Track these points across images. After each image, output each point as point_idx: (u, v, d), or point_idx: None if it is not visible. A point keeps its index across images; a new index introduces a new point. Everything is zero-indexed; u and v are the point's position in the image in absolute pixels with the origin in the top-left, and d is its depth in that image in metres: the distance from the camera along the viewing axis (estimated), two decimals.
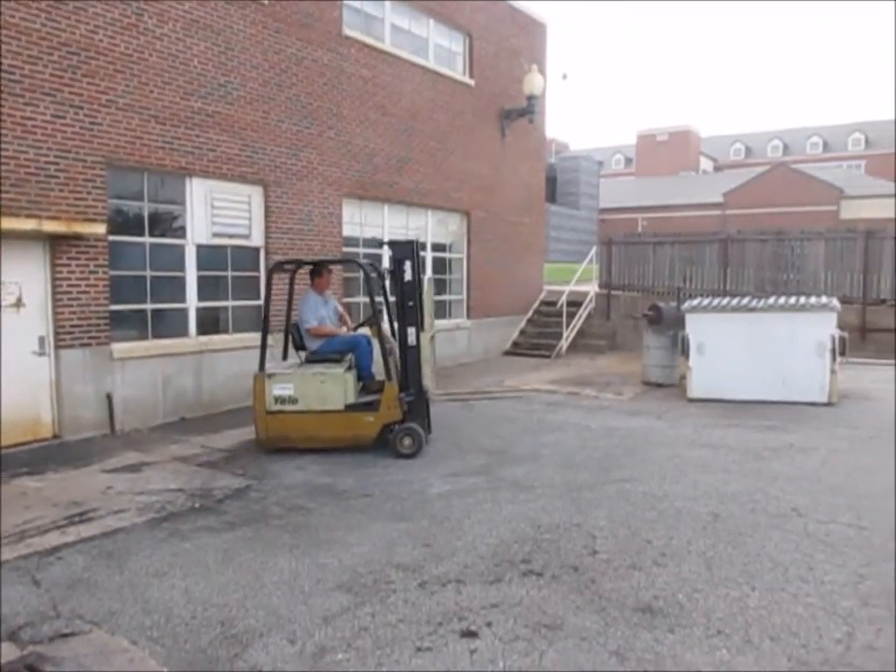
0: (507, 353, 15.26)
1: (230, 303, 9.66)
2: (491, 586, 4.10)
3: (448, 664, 3.31)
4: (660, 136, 62.33)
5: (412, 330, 7.07)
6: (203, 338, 9.27)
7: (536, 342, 15.35)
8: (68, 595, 4.10)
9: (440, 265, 13.53)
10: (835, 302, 9.58)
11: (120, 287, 8.33)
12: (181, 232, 9.02)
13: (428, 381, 7.26)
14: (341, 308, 8.42)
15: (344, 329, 8.12)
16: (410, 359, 7.14)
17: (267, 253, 9.94)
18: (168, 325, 8.94)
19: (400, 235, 12.53)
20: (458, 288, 14.00)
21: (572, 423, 8.51)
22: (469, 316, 14.07)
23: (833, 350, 9.24)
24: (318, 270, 7.97)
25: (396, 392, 7.06)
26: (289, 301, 8.17)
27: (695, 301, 10.38)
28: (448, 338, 13.46)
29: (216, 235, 9.37)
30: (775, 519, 5.13)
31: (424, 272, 7.45)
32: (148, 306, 8.70)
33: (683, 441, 7.52)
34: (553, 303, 15.78)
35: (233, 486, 6.15)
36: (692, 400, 9.66)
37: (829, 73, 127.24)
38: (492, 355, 14.75)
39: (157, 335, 8.77)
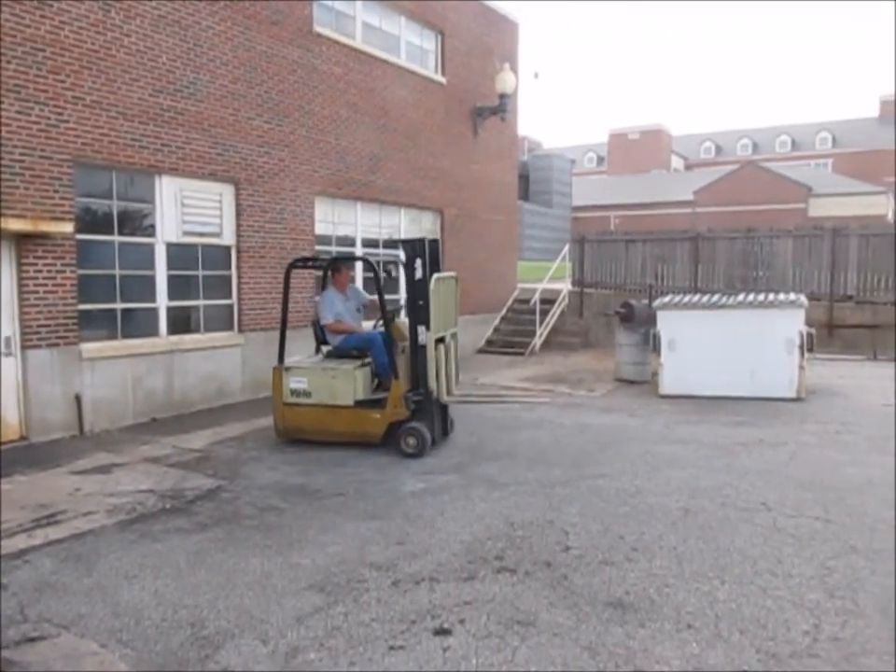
0: (481, 351, 15.29)
1: (201, 303, 9.56)
2: (464, 583, 4.11)
3: (421, 662, 3.31)
4: (632, 135, 62.86)
5: (421, 329, 6.95)
6: (174, 337, 9.17)
7: (510, 339, 15.40)
8: (36, 598, 4.04)
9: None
10: (803, 299, 9.73)
11: (89, 287, 8.21)
12: (151, 231, 8.91)
13: (433, 381, 6.99)
14: (367, 299, 8.30)
15: (366, 324, 8.16)
16: (420, 359, 7.04)
17: (238, 252, 9.86)
18: (138, 324, 8.83)
19: (373, 234, 12.52)
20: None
21: (546, 420, 8.55)
22: None
23: (802, 346, 9.39)
24: (337, 267, 8.05)
25: (402, 391, 7.01)
26: (285, 299, 7.92)
27: (666, 299, 10.49)
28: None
29: (186, 234, 9.27)
30: (744, 513, 5.20)
31: (437, 269, 7.24)
32: (118, 306, 8.58)
33: (655, 437, 7.60)
34: (527, 301, 15.84)
35: (205, 487, 6.09)
36: (663, 397, 9.76)
37: (797, 72, 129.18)
38: (466, 353, 14.74)
39: (127, 335, 8.66)
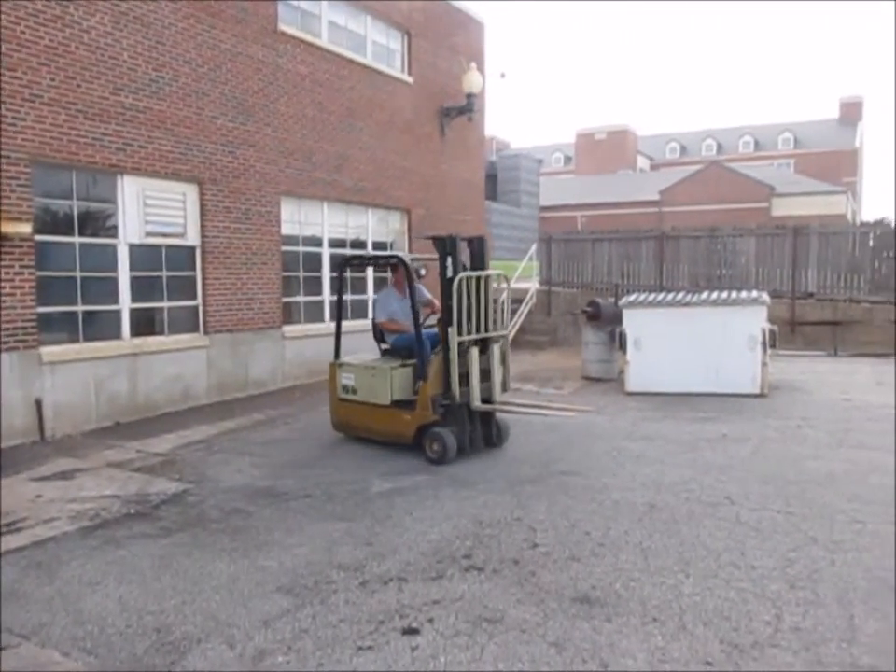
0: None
1: (165, 304, 9.44)
2: (433, 583, 4.11)
3: (389, 661, 3.31)
4: (598, 135, 63.41)
5: (451, 331, 6.63)
6: (138, 340, 9.04)
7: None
8: None
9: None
10: (765, 297, 9.90)
11: (49, 289, 8.06)
12: (113, 232, 8.77)
13: (455, 385, 6.61)
14: (426, 298, 7.81)
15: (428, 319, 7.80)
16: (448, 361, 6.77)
17: (203, 252, 9.75)
18: (100, 327, 8.68)
19: (341, 234, 12.47)
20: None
21: (513, 418, 8.57)
22: None
23: (764, 343, 9.54)
24: (395, 267, 7.93)
25: (429, 393, 6.74)
26: (339, 296, 7.99)
27: (632, 297, 10.60)
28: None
29: (149, 234, 9.14)
30: (708, 508, 5.27)
31: (462, 268, 6.86)
32: (79, 308, 8.43)
33: (621, 434, 7.67)
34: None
35: (170, 491, 6.01)
36: (629, 394, 9.86)
37: (760, 74, 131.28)
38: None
39: (89, 338, 8.51)
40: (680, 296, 10.44)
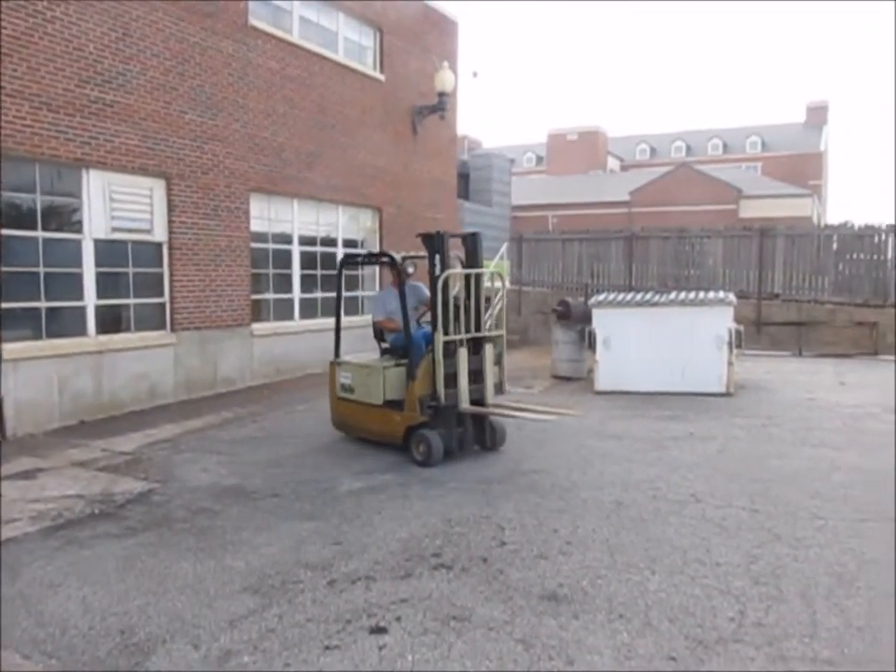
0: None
1: (131, 301, 9.30)
2: (401, 581, 4.11)
3: (356, 661, 3.29)
4: (570, 136, 63.73)
5: (437, 331, 6.54)
6: (103, 337, 8.90)
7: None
8: None
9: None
10: (732, 297, 10.04)
11: (11, 285, 7.88)
12: (78, 227, 8.61)
13: (440, 386, 6.44)
14: (426, 297, 7.59)
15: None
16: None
17: (171, 248, 9.63)
18: (64, 324, 8.52)
19: (311, 231, 12.40)
20: (371, 285, 13.92)
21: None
22: None
23: (731, 343, 9.68)
24: (392, 266, 7.56)
25: (416, 394, 6.60)
26: (338, 295, 8.00)
27: (601, 297, 10.68)
28: (361, 335, 13.34)
29: (115, 230, 9.00)
30: (675, 505, 5.33)
31: (475, 265, 6.82)
32: (42, 304, 8.27)
33: (590, 433, 7.72)
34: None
35: (135, 490, 5.93)
36: (598, 393, 9.93)
37: (728, 77, 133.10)
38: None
39: (52, 335, 8.35)
40: (649, 296, 10.54)
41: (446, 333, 6.52)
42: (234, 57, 10.43)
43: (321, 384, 11.07)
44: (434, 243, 6.62)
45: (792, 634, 3.43)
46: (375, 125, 13.57)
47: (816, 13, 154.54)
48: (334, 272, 12.76)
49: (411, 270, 7.28)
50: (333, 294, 12.75)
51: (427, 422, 6.60)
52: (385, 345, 7.66)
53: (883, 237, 14.82)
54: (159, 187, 9.52)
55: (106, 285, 8.94)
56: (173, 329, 9.73)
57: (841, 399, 9.41)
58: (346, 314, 13.06)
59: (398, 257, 7.17)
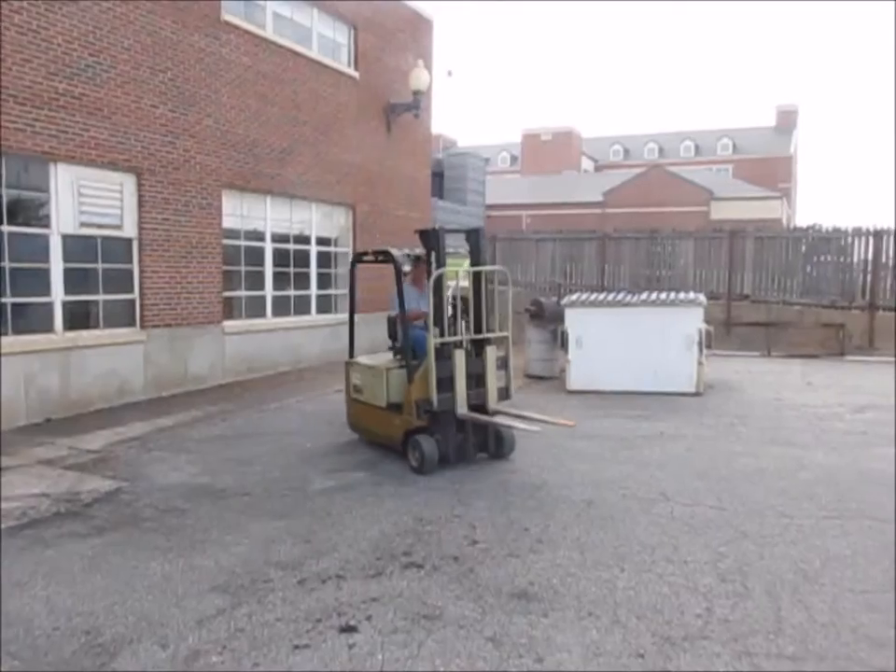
0: (392, 348, 15.24)
1: (100, 297, 9.16)
2: (372, 580, 4.10)
3: (326, 660, 3.28)
4: (544, 136, 64.02)
5: (436, 331, 6.22)
6: (71, 334, 8.76)
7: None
8: None
9: (325, 259, 13.37)
10: (702, 298, 10.16)
11: None
12: (45, 221, 8.47)
13: (433, 389, 6.15)
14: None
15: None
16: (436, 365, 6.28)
17: (141, 244, 9.50)
18: (30, 320, 8.38)
19: (284, 229, 12.32)
20: (344, 283, 13.84)
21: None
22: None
23: (701, 343, 9.79)
24: (416, 263, 7.42)
25: (413, 397, 6.28)
26: (351, 293, 7.80)
27: (574, 297, 10.74)
28: (334, 333, 13.31)
29: (84, 225, 8.86)
30: (644, 504, 5.38)
31: (479, 262, 6.60)
32: (7, 300, 8.11)
33: (561, 432, 7.68)
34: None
35: (103, 489, 5.85)
36: (571, 392, 9.99)
37: (700, 80, 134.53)
38: (379, 349, 14.70)
39: (18, 331, 8.20)
40: (621, 296, 10.62)
41: (442, 334, 6.26)
42: (207, 52, 10.33)
43: (293, 382, 11.05)
44: (430, 239, 6.36)
45: (758, 630, 3.48)
46: (349, 123, 13.52)
47: (787, 18, 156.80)
48: (306, 269, 12.81)
49: (407, 268, 7.01)
50: (306, 292, 12.81)
51: (424, 427, 6.29)
52: (397, 345, 7.25)
53: (850, 240, 15.10)
54: (129, 182, 9.39)
55: (75, 280, 8.81)
56: (143, 326, 9.61)
57: (807, 399, 9.56)
58: (319, 311, 13.11)
59: (397, 254, 6.80)
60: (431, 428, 6.29)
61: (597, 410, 8.90)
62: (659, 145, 66.00)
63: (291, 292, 12.47)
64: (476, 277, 6.55)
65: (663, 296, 10.38)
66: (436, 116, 30.10)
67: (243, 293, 11.47)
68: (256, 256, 11.69)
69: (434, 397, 6.15)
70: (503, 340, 6.71)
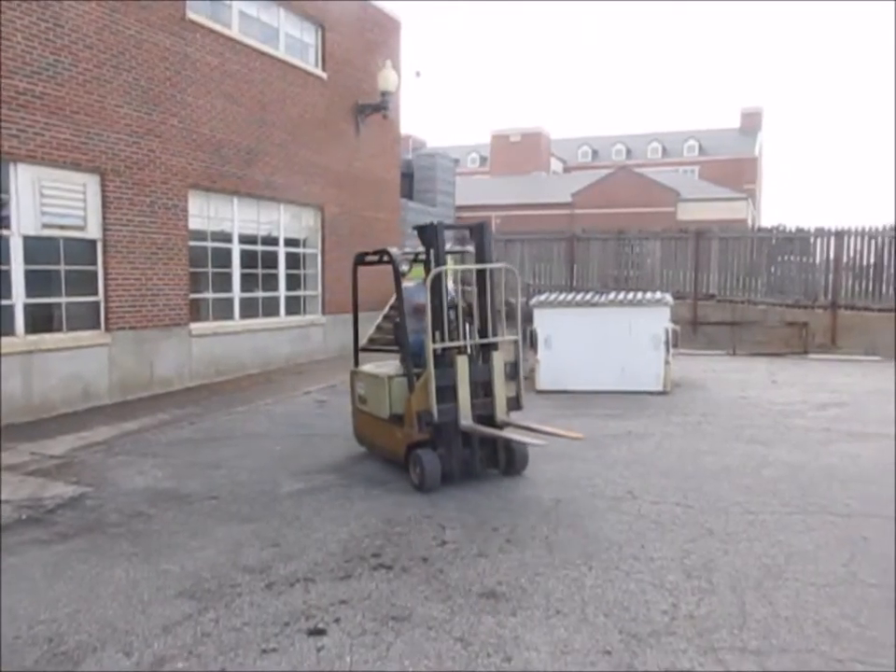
0: (363, 349, 15.17)
1: (63, 300, 9.01)
2: (340, 582, 4.08)
3: (294, 663, 3.26)
4: (513, 137, 64.21)
5: (437, 335, 5.76)
6: (34, 337, 8.60)
7: (392, 337, 15.37)
8: None
9: (294, 260, 13.29)
10: (669, 298, 10.27)
11: None
12: (5, 222, 8.30)
13: (433, 399, 5.68)
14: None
15: None
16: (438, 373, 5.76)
17: (105, 246, 9.36)
18: None
19: (252, 230, 12.23)
20: (313, 284, 13.81)
21: None
22: (324, 312, 13.91)
23: (668, 342, 9.90)
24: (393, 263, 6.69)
25: (414, 409, 5.79)
26: (354, 296, 7.19)
27: (543, 297, 10.80)
28: (303, 334, 13.26)
29: (46, 226, 8.71)
30: (612, 502, 5.43)
31: (484, 259, 6.12)
32: None
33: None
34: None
35: (66, 495, 5.75)
36: (540, 392, 10.03)
37: (667, 82, 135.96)
38: (348, 351, 14.52)
39: None
40: (589, 296, 10.71)
41: (443, 339, 5.80)
42: (171, 51, 10.21)
43: (262, 384, 10.96)
44: (429, 235, 5.89)
45: (722, 625, 3.54)
46: (318, 123, 13.46)
47: (752, 21, 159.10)
48: (275, 271, 12.71)
49: (405, 268, 6.48)
50: (274, 293, 12.72)
51: (426, 440, 5.80)
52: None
53: (812, 240, 15.37)
54: (92, 182, 9.25)
55: (37, 283, 8.65)
56: (107, 329, 9.47)
57: (772, 396, 9.72)
58: (288, 313, 13.03)
59: (395, 253, 6.35)
60: (434, 442, 5.80)
61: (566, 410, 8.96)
62: (626, 146, 66.60)
63: (259, 294, 12.38)
64: (481, 276, 6.07)
65: (630, 296, 10.48)
66: (405, 117, 30.10)
67: (210, 295, 11.35)
68: (223, 257, 11.58)
69: (434, 407, 5.66)
70: (512, 344, 6.28)
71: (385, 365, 6.81)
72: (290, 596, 3.92)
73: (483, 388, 5.96)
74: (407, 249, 6.92)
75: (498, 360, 6.04)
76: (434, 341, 5.74)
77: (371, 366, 6.87)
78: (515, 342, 6.25)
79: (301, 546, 4.63)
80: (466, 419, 5.77)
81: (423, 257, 6.23)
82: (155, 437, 7.73)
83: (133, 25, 9.58)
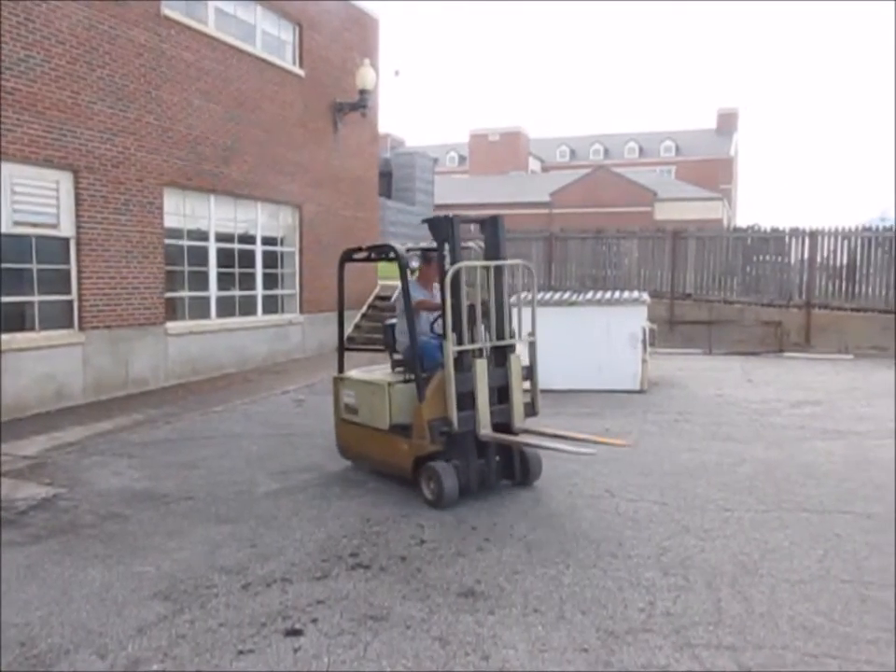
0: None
1: (35, 298, 8.87)
2: (318, 582, 4.06)
3: (271, 664, 3.24)
4: (491, 136, 64.38)
5: (453, 337, 5.29)
6: (5, 336, 8.45)
7: (371, 336, 15.33)
8: None
9: (271, 259, 13.21)
10: (646, 297, 10.34)
11: None
12: None
13: (452, 407, 5.26)
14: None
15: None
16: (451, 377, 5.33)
17: (79, 244, 9.23)
18: None
19: (229, 228, 12.13)
20: (291, 283, 13.73)
21: None
22: (302, 311, 13.84)
23: (645, 341, 9.96)
24: (425, 258, 6.27)
25: (425, 418, 5.37)
26: (340, 296, 7.01)
27: (521, 295, 10.80)
28: (281, 333, 13.19)
29: (17, 224, 8.56)
30: (590, 500, 5.46)
31: (497, 256, 5.68)
32: None
33: None
34: (387, 298, 15.88)
35: (39, 496, 5.67)
36: None
37: (644, 82, 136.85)
38: (327, 350, 14.59)
39: None
40: (567, 295, 10.75)
41: (460, 341, 5.36)
42: (146, 47, 10.09)
43: (239, 383, 10.88)
44: (443, 228, 5.44)
45: (698, 622, 3.56)
46: (295, 121, 13.38)
47: (728, 22, 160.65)
48: (252, 269, 12.63)
49: (415, 263, 6.09)
50: (252, 292, 12.63)
51: (439, 452, 5.39)
52: (397, 356, 6.41)
53: (787, 240, 15.55)
54: (66, 179, 9.11)
55: (8, 281, 8.51)
56: (81, 328, 9.35)
57: (748, 394, 9.82)
58: (266, 312, 12.96)
59: (400, 249, 5.90)
60: (448, 453, 5.39)
61: (544, 408, 8.78)
62: (604, 146, 66.99)
63: (236, 292, 12.28)
64: (497, 274, 5.63)
65: (608, 295, 10.53)
66: (383, 115, 30.01)
67: (186, 294, 11.24)
68: (199, 256, 11.48)
69: (454, 415, 5.26)
70: (529, 346, 5.90)
71: (374, 371, 6.47)
72: (267, 597, 3.89)
73: (498, 394, 5.59)
74: (410, 245, 6.51)
75: (516, 363, 5.69)
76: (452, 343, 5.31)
77: (357, 372, 6.49)
78: (532, 343, 5.88)
79: (278, 546, 4.60)
80: (485, 427, 5.39)
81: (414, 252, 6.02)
82: (130, 437, 7.64)
83: (108, 21, 9.46)
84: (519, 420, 5.65)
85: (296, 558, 4.41)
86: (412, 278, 6.26)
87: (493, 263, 5.64)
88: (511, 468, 5.72)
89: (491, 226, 5.79)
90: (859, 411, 8.68)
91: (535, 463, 5.83)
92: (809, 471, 6.16)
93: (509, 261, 5.83)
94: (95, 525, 5.05)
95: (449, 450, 5.39)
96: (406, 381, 5.84)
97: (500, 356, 5.64)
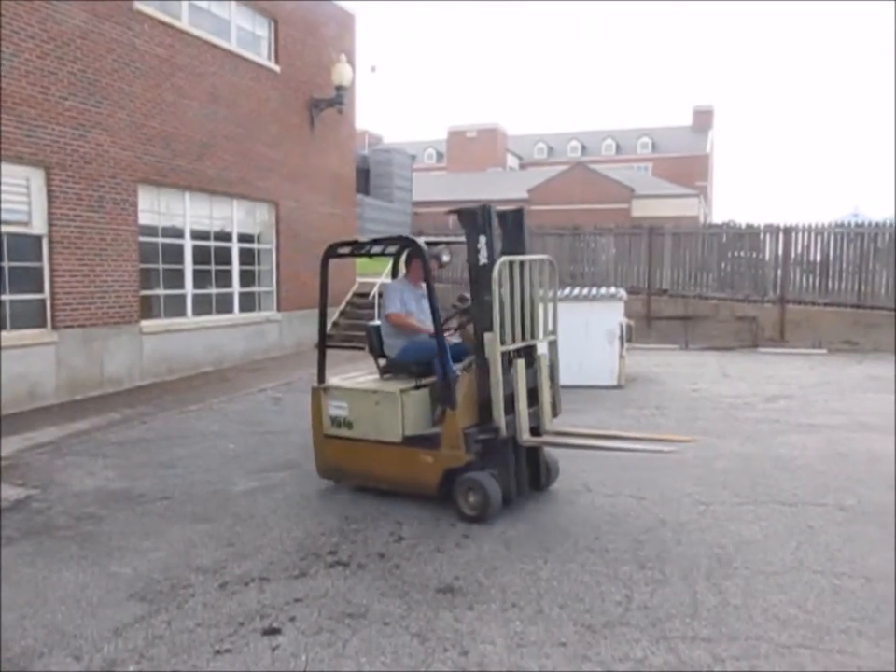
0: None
1: (6, 297, 8.73)
2: (296, 581, 4.05)
3: (248, 663, 3.22)
4: (469, 133, 64.32)
5: (488, 338, 4.96)
6: None
7: (349, 334, 15.28)
8: None
9: (248, 256, 13.12)
10: (623, 293, 10.40)
11: None
12: None
13: (499, 412, 4.93)
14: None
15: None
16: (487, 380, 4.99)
17: (51, 242, 9.11)
18: None
19: (204, 225, 12.03)
20: (268, 280, 13.64)
21: None
22: (279, 309, 13.76)
23: (622, 337, 10.03)
24: (412, 254, 5.92)
25: (458, 426, 4.98)
26: (323, 294, 6.14)
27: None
28: (258, 331, 13.11)
29: None
30: (569, 495, 5.48)
31: (519, 250, 5.30)
32: None
33: None
34: (366, 295, 15.83)
35: (12, 498, 5.59)
36: None
37: (620, 79, 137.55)
38: (304, 347, 14.53)
39: None
40: None
41: (503, 341, 4.98)
42: (118, 42, 9.96)
43: (215, 382, 10.80)
44: (478, 220, 5.02)
45: (675, 615, 3.59)
46: (271, 117, 13.29)
47: (702, 20, 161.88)
48: (228, 267, 12.53)
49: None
50: (228, 290, 12.54)
51: (473, 462, 5.00)
52: (383, 361, 5.96)
53: (762, 236, 15.72)
54: (37, 176, 8.98)
55: None
56: (54, 327, 9.22)
57: (723, 389, 9.92)
58: (242, 310, 12.87)
59: (421, 242, 5.45)
60: (482, 462, 5.04)
61: None
62: (581, 143, 67.18)
63: (213, 290, 12.19)
64: (522, 270, 5.22)
65: (585, 291, 10.57)
66: (361, 112, 29.92)
67: (161, 291, 11.13)
68: (175, 253, 11.37)
69: (502, 421, 4.91)
70: (551, 345, 5.65)
71: (361, 379, 5.95)
72: (245, 596, 3.87)
73: (529, 395, 5.25)
74: (430, 238, 6.04)
75: (544, 363, 5.44)
76: (479, 337, 5.07)
77: (342, 380, 5.90)
78: (553, 342, 5.64)
79: (255, 545, 4.58)
80: (525, 432, 5.08)
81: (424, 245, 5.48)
82: (105, 437, 7.56)
83: (78, 15, 9.32)
84: (549, 421, 5.39)
85: (274, 557, 4.39)
86: (401, 276, 6.15)
87: (526, 258, 5.27)
88: (538, 473, 5.49)
89: (514, 220, 5.44)
90: (832, 405, 8.80)
91: (554, 468, 5.65)
92: (783, 464, 6.24)
93: (533, 256, 5.46)
94: (70, 526, 4.99)
95: (484, 459, 5.05)
96: (417, 387, 5.44)
97: (529, 355, 5.37)
